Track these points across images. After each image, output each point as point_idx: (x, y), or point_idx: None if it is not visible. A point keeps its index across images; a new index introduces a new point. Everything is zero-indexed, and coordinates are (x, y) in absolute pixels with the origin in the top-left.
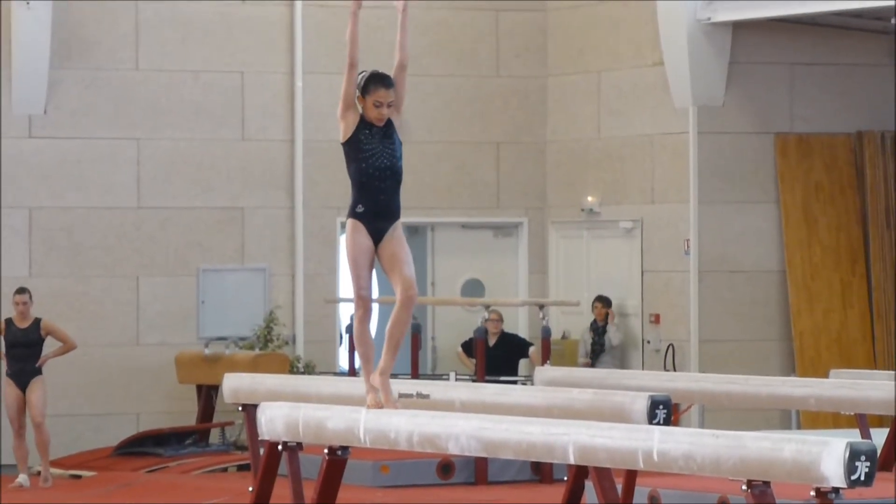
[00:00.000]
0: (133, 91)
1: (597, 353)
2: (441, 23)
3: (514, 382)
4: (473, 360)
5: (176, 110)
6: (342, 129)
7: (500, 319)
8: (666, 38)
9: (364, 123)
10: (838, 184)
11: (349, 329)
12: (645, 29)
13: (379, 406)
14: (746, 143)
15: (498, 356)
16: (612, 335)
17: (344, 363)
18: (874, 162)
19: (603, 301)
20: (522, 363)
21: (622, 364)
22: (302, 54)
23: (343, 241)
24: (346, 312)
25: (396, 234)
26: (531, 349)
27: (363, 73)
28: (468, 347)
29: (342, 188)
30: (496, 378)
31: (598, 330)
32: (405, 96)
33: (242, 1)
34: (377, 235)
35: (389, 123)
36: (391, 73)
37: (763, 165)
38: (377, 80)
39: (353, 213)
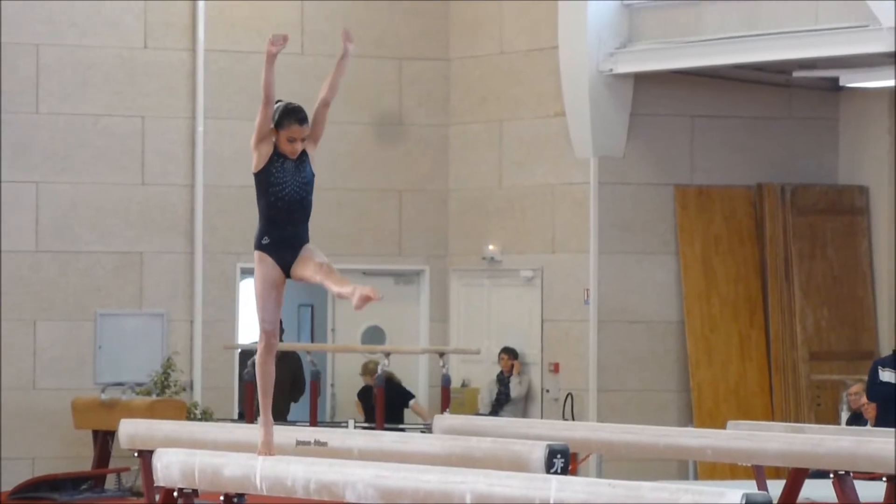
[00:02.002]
0: (33, 134)
1: (501, 403)
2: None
3: (403, 430)
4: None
5: (76, 154)
6: (255, 160)
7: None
8: (568, 89)
9: (277, 155)
10: (737, 236)
11: (247, 375)
12: (547, 79)
13: (269, 454)
14: (647, 194)
15: (382, 406)
16: (514, 387)
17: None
18: (773, 214)
19: (509, 352)
20: (408, 411)
21: (524, 414)
22: (203, 100)
23: (243, 286)
24: (245, 359)
25: (304, 253)
26: (411, 401)
27: (278, 104)
28: (363, 396)
29: (242, 234)
30: (373, 426)
31: (504, 381)
32: (324, 130)
33: (144, 47)
34: (285, 266)
35: (303, 155)
36: (313, 107)
37: (663, 217)
38: (291, 115)
39: (259, 245)
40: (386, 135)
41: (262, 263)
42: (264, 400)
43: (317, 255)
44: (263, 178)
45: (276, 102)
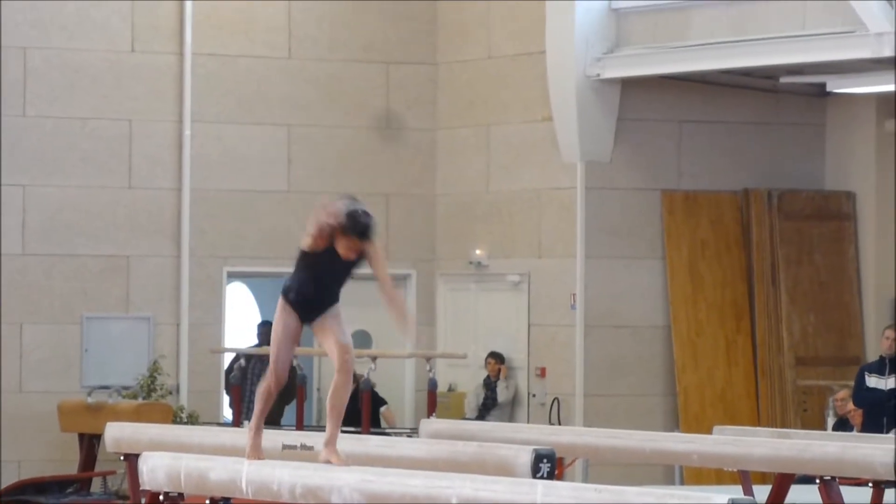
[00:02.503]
0: (20, 138)
1: (488, 407)
2: (332, 75)
3: (388, 434)
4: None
5: (63, 157)
6: (308, 242)
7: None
8: (555, 94)
9: (331, 250)
10: (724, 241)
11: (233, 379)
12: (534, 84)
13: (258, 458)
14: (634, 199)
15: (355, 409)
16: (500, 392)
17: (228, 414)
18: (760, 219)
19: (496, 357)
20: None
21: (510, 419)
22: (191, 103)
23: (229, 290)
24: (231, 363)
25: (332, 311)
26: (383, 408)
27: (351, 206)
28: None
29: (229, 237)
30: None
31: (491, 385)
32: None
33: (131, 50)
34: (309, 320)
35: (360, 258)
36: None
37: (650, 222)
38: (356, 229)
39: (285, 296)
40: (377, 139)
41: (285, 313)
42: (258, 419)
43: (336, 318)
44: (309, 260)
45: (351, 202)
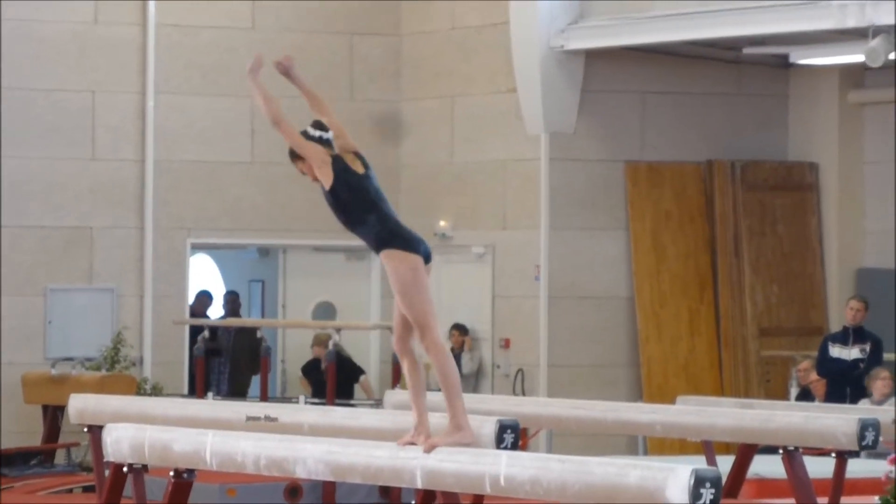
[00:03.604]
0: None
1: None
2: (295, 46)
3: (353, 406)
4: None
5: (26, 129)
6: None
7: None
8: (519, 66)
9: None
10: (687, 212)
11: (198, 350)
12: (498, 56)
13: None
14: (597, 170)
15: (332, 379)
16: (465, 363)
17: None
18: (723, 191)
19: (460, 329)
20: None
21: (474, 390)
22: (154, 74)
23: (193, 262)
24: (194, 335)
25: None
26: (362, 377)
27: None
28: (307, 370)
29: (193, 209)
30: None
31: (455, 357)
32: (336, 121)
33: (95, 21)
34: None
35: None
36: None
37: (613, 193)
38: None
39: (416, 251)
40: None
41: (422, 272)
42: (454, 392)
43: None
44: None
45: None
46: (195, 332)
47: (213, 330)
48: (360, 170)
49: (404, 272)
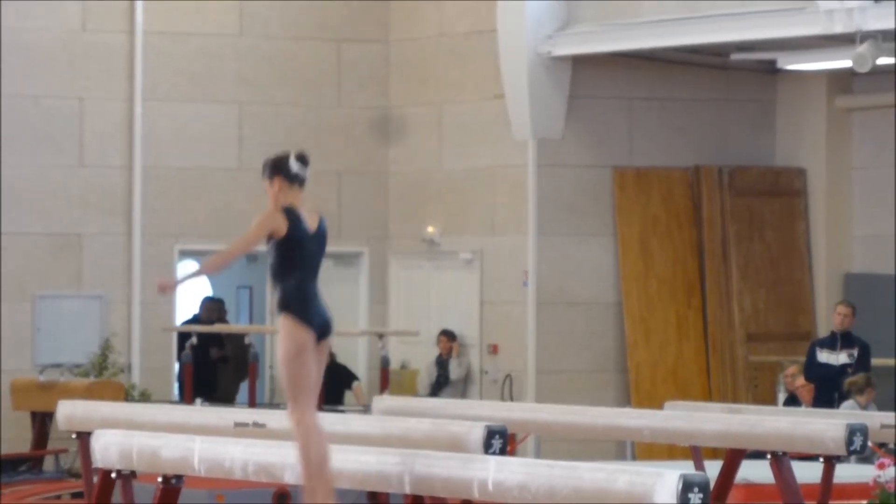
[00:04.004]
0: None
1: (441, 385)
2: (283, 53)
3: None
4: None
5: (15, 135)
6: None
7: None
8: (507, 72)
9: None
10: (675, 218)
11: (185, 357)
12: (486, 62)
13: None
14: (585, 176)
15: (324, 385)
16: (453, 369)
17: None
18: (711, 196)
19: (448, 335)
20: (349, 393)
21: (463, 396)
22: (142, 81)
23: (181, 268)
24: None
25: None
26: (355, 384)
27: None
28: None
29: (180, 215)
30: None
31: (444, 363)
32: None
33: (83, 29)
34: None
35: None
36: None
37: (601, 198)
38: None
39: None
40: (329, 117)
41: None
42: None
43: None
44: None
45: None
46: (200, 338)
47: (220, 338)
48: (312, 227)
49: (289, 344)
